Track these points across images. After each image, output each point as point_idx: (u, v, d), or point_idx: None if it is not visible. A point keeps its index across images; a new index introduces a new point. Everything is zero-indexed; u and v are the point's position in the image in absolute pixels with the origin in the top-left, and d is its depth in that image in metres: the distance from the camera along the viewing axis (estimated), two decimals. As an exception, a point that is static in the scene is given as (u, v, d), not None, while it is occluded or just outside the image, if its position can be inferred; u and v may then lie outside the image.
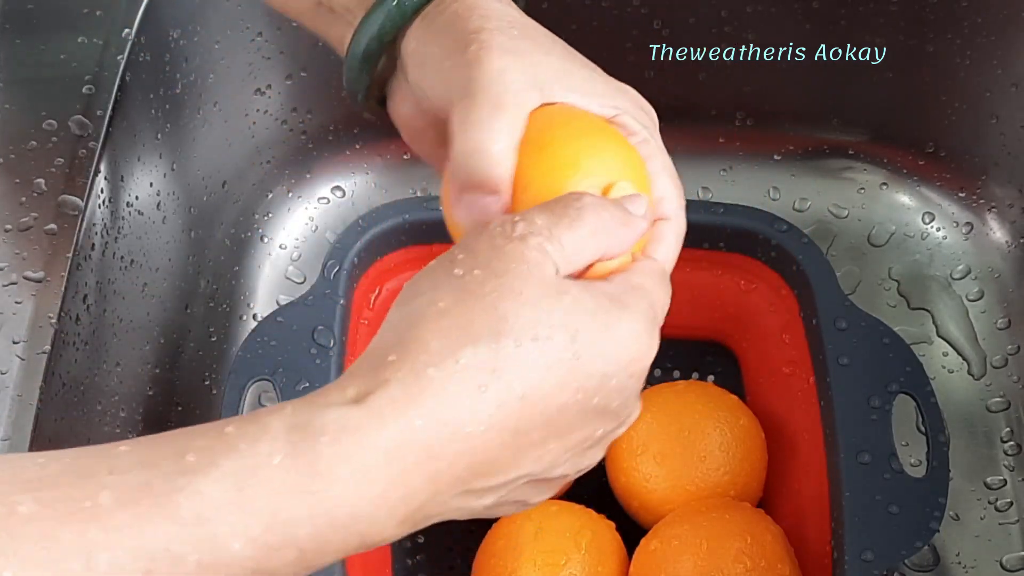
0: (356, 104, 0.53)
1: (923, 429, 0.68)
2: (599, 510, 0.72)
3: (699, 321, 0.78)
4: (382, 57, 0.51)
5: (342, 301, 0.71)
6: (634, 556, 0.69)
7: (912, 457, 0.75)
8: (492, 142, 0.44)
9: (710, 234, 0.74)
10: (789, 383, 0.74)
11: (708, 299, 0.77)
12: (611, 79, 0.50)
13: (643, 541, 0.70)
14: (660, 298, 0.45)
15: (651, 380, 0.78)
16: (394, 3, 0.49)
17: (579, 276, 0.43)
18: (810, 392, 0.71)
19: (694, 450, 0.71)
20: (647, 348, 0.43)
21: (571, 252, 0.42)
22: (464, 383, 0.38)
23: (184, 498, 0.35)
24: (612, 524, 0.71)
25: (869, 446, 0.66)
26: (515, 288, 0.40)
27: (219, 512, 0.35)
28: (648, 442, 0.72)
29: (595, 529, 0.70)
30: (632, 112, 0.49)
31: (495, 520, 0.72)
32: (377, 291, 0.76)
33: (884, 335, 0.70)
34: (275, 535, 0.36)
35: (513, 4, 0.50)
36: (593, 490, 0.75)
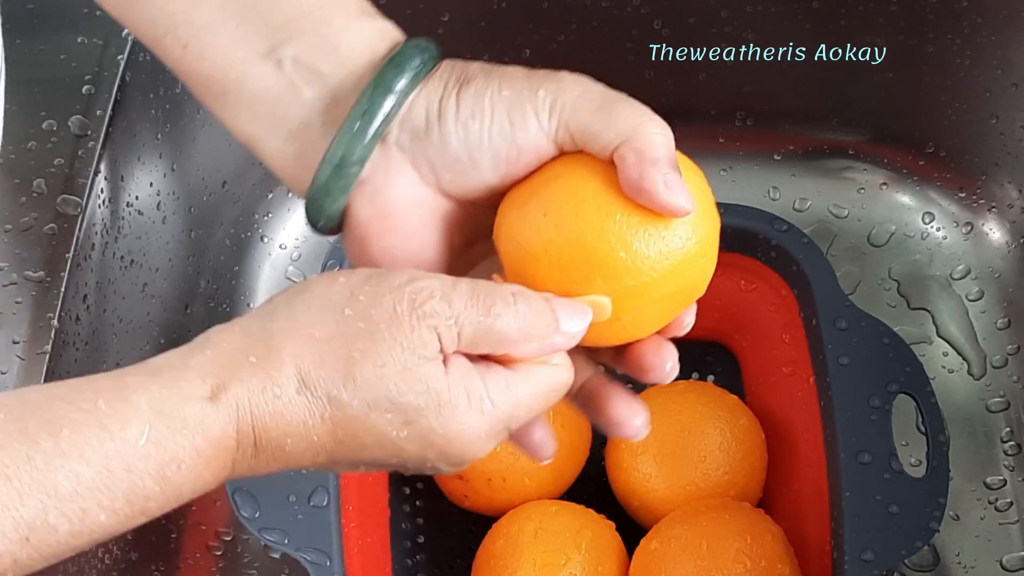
0: (327, 212, 0.47)
1: (923, 429, 0.68)
2: (599, 510, 0.72)
3: (699, 321, 0.77)
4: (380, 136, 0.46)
5: (342, 301, 0.71)
6: (634, 556, 0.69)
7: (912, 457, 0.75)
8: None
9: (710, 234, 0.74)
10: (789, 383, 0.74)
11: (708, 299, 0.76)
12: None
13: (643, 541, 0.70)
14: (527, 411, 0.45)
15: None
16: (412, 68, 0.46)
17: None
18: (810, 392, 0.71)
19: (694, 450, 0.71)
20: (475, 453, 0.45)
21: (467, 343, 0.43)
22: (295, 413, 0.42)
23: (62, 477, 0.39)
24: (612, 524, 0.71)
25: (869, 446, 0.66)
26: (380, 358, 0.42)
27: (90, 490, 0.40)
28: (648, 442, 0.72)
29: (595, 529, 0.70)
30: None
31: (495, 520, 0.72)
32: (377, 291, 0.76)
33: (884, 335, 0.70)
34: (133, 507, 0.41)
35: None
36: (593, 490, 0.75)
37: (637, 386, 0.77)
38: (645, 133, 0.44)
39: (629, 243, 0.44)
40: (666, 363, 0.48)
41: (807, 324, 0.72)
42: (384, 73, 0.46)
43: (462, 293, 0.43)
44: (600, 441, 0.75)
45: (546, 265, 0.45)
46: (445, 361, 0.43)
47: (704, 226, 0.45)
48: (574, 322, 0.44)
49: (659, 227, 0.44)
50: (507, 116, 0.45)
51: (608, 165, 0.45)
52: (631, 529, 0.72)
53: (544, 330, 0.44)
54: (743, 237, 0.74)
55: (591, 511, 0.71)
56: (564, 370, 0.46)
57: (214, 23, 0.47)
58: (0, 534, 0.38)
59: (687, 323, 0.49)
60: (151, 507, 0.41)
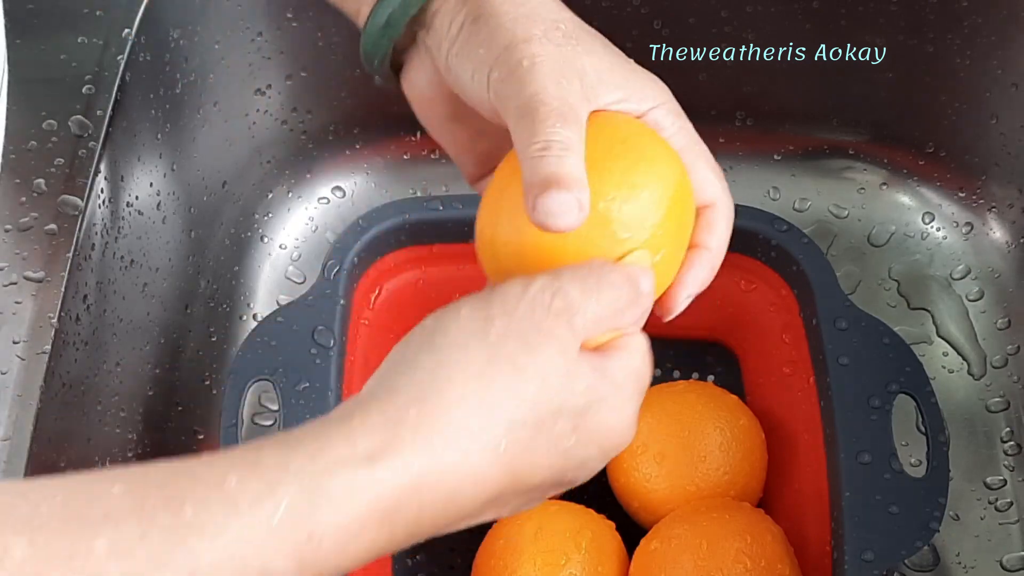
0: (371, 70, 0.53)
1: (923, 429, 0.68)
2: (599, 510, 0.72)
3: (699, 321, 0.78)
4: (404, 24, 0.51)
5: (342, 301, 0.71)
6: (634, 556, 0.69)
7: (912, 457, 0.75)
8: (567, 147, 0.45)
9: (710, 234, 0.74)
10: (789, 383, 0.74)
11: (708, 299, 0.76)
12: (639, 69, 0.51)
13: (643, 541, 0.70)
14: (646, 381, 0.47)
15: (651, 380, 0.78)
16: None
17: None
18: (810, 392, 0.71)
19: (694, 450, 0.71)
20: (630, 435, 0.45)
21: (593, 328, 0.44)
22: (470, 459, 0.40)
23: (181, 555, 0.36)
24: (612, 524, 0.71)
25: (869, 446, 0.66)
26: (543, 371, 0.42)
27: (212, 571, 0.36)
28: (648, 442, 0.72)
29: (595, 529, 0.70)
30: (664, 102, 0.50)
31: (495, 520, 0.72)
32: (377, 291, 0.76)
33: (884, 335, 0.70)
34: None
35: None
36: (593, 490, 0.74)
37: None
38: (524, 164, 0.44)
39: (633, 186, 0.46)
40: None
41: (807, 324, 0.72)
42: None
43: (570, 280, 0.44)
44: (600, 441, 0.75)
45: (573, 248, 0.46)
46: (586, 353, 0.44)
47: (668, 151, 0.48)
48: (647, 280, 0.46)
49: (644, 165, 0.46)
50: (472, 71, 0.48)
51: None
52: (631, 529, 0.72)
53: (635, 293, 0.45)
54: (743, 237, 0.74)
55: (591, 511, 0.71)
56: (643, 338, 0.47)
57: None
58: None
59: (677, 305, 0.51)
60: None
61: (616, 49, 0.51)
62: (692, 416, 0.72)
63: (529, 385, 0.41)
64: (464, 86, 0.49)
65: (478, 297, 0.44)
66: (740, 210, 0.75)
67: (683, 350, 0.79)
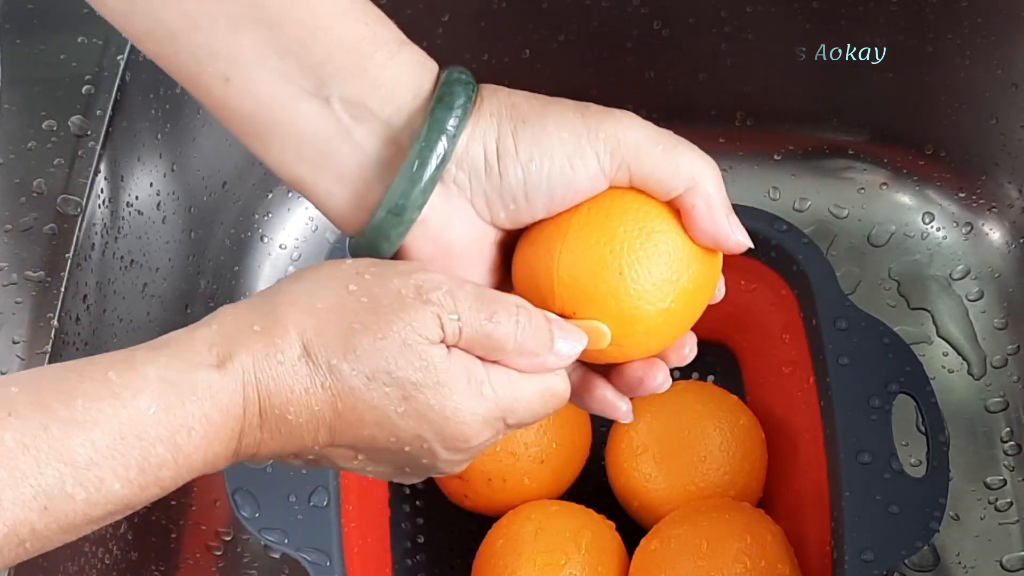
0: (382, 249, 0.47)
1: (923, 429, 0.68)
2: (599, 510, 0.72)
3: (699, 321, 0.78)
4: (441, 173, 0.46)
5: (342, 301, 0.71)
6: (634, 556, 0.69)
7: (912, 457, 0.75)
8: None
9: (710, 234, 0.74)
10: (789, 383, 0.74)
11: (708, 299, 0.77)
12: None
13: (643, 541, 0.70)
14: (527, 409, 0.46)
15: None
16: (462, 101, 0.46)
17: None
18: (810, 392, 0.71)
19: (694, 450, 0.71)
20: (475, 436, 0.45)
21: (465, 342, 0.44)
22: (298, 380, 0.43)
23: (79, 445, 0.40)
24: (612, 524, 0.71)
25: (869, 446, 0.66)
26: (381, 331, 0.43)
27: (105, 458, 0.40)
28: (648, 442, 0.72)
29: (595, 529, 0.70)
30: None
31: (495, 520, 0.72)
32: (377, 291, 0.75)
33: (884, 335, 0.70)
34: (147, 477, 0.41)
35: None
36: (593, 490, 0.75)
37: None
38: (709, 180, 0.47)
39: (637, 278, 0.46)
40: (657, 377, 0.49)
41: (807, 324, 0.72)
42: (436, 115, 0.45)
43: (468, 294, 0.44)
44: (600, 441, 0.75)
45: (558, 289, 0.47)
46: (447, 348, 0.44)
47: (699, 262, 0.49)
48: (568, 344, 0.46)
49: (659, 263, 0.47)
50: (567, 161, 0.46)
51: (620, 199, 0.47)
52: (631, 529, 0.72)
53: (538, 347, 0.45)
54: (743, 237, 0.74)
55: (591, 511, 0.71)
56: (562, 380, 0.47)
57: (256, 57, 0.46)
58: (20, 502, 0.39)
59: (687, 353, 0.51)
60: (164, 477, 0.42)
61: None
62: (692, 416, 0.72)
63: (361, 339, 0.43)
64: (553, 177, 0.46)
65: (374, 259, 0.45)
66: (740, 210, 0.75)
67: (683, 350, 0.79)
